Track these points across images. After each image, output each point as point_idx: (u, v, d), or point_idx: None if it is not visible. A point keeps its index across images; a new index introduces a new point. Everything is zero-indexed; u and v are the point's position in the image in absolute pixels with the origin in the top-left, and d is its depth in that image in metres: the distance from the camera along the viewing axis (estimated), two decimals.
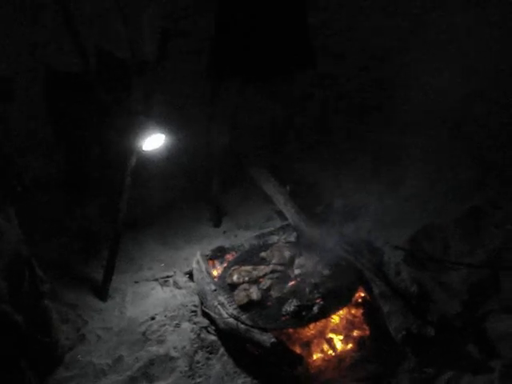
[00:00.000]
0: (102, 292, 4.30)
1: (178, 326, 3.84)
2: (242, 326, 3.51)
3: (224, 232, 4.89)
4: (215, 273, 4.19)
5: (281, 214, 4.76)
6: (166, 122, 4.07)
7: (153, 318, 3.95)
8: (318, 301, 3.61)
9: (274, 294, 3.76)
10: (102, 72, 4.07)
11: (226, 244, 4.54)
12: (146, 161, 4.30)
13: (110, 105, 4.09)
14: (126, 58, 4.13)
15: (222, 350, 3.62)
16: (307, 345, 3.58)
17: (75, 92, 4.10)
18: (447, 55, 5.97)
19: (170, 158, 4.63)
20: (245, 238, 4.57)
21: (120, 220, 4.20)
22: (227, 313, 3.62)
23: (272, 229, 4.58)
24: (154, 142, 3.95)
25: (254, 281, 3.88)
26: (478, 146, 5.13)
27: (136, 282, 4.41)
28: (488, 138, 5.23)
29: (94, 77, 4.00)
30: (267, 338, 3.36)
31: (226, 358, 3.57)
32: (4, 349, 2.45)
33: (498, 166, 4.86)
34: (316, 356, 3.54)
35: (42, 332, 2.68)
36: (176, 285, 4.27)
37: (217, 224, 4.99)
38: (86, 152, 4.46)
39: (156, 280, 4.38)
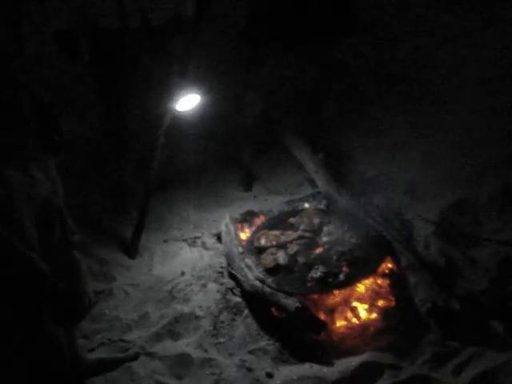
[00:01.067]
0: (131, 249, 4.38)
1: (204, 286, 3.89)
2: (268, 289, 3.53)
3: (254, 196, 4.91)
4: (243, 236, 4.21)
5: (312, 182, 4.75)
6: (201, 84, 4.06)
7: (181, 275, 4.00)
8: (344, 268, 3.61)
9: (301, 259, 3.76)
10: (141, 32, 4.08)
11: (256, 208, 4.56)
12: (180, 122, 4.31)
13: (147, 65, 4.10)
14: (165, 18, 4.12)
15: (246, 311, 3.66)
16: (331, 312, 3.59)
17: (114, 51, 4.12)
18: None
19: (203, 120, 4.62)
20: (275, 204, 4.59)
21: (151, 179, 4.24)
22: (253, 275, 3.65)
23: (302, 195, 4.58)
24: (188, 102, 3.95)
25: (282, 246, 3.89)
26: None
27: (165, 241, 4.48)
28: None
29: (134, 36, 4.02)
30: (292, 302, 3.38)
31: (249, 319, 3.60)
32: (28, 298, 2.50)
33: None
34: (340, 323, 3.55)
35: (70, 282, 2.72)
36: (204, 246, 4.32)
37: (247, 188, 5.01)
38: (123, 112, 4.46)
39: (185, 240, 4.44)
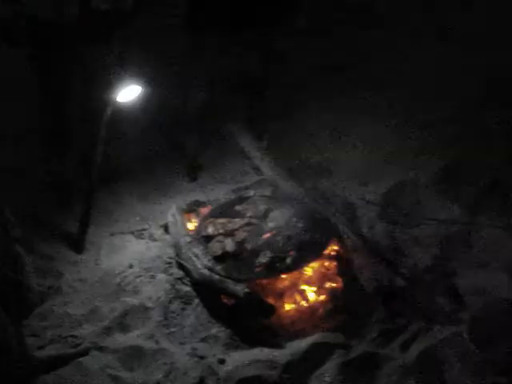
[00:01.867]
0: (77, 244, 4.33)
1: (153, 277, 3.88)
2: (216, 276, 3.56)
3: (200, 186, 4.91)
4: (191, 226, 4.21)
5: (257, 170, 4.80)
6: (142, 74, 4.04)
7: (129, 268, 3.99)
8: (291, 252, 3.66)
9: (249, 246, 3.79)
10: (79, 21, 4.04)
11: (202, 198, 4.58)
12: (122, 114, 4.27)
13: (87, 57, 4.06)
14: (104, 8, 4.09)
15: (196, 300, 3.67)
16: (280, 296, 3.64)
17: (50, 39, 4.07)
18: None
19: (146, 111, 4.61)
20: (221, 193, 4.61)
21: (95, 173, 4.20)
22: (202, 264, 3.66)
23: (248, 183, 4.61)
24: (129, 93, 3.93)
25: (229, 233, 3.91)
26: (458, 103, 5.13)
27: (111, 235, 4.45)
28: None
29: (70, 25, 3.98)
30: (240, 289, 3.42)
31: (200, 308, 3.62)
32: None
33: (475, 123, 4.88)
34: (289, 307, 3.61)
35: (14, 275, 2.69)
36: (151, 237, 4.32)
37: (193, 179, 5.01)
38: (63, 102, 4.41)
39: (132, 233, 4.42)
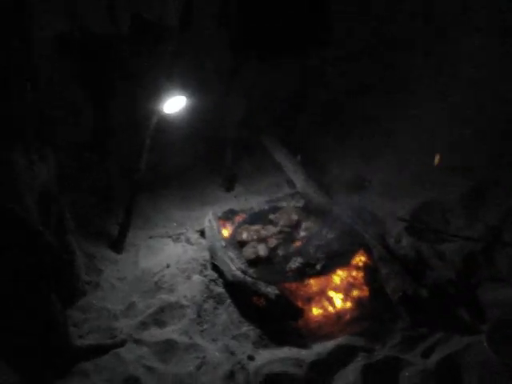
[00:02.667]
0: (117, 245, 4.56)
1: (188, 277, 4.08)
2: (249, 279, 3.75)
3: (235, 196, 5.13)
4: (225, 233, 4.42)
5: (290, 183, 4.99)
6: (187, 88, 4.29)
7: (166, 268, 4.20)
8: (320, 260, 3.84)
9: (280, 252, 4.00)
10: (131, 37, 4.31)
11: (237, 207, 4.79)
12: (166, 124, 4.52)
13: (137, 68, 4.32)
14: (154, 23, 4.36)
15: (228, 301, 3.86)
16: (309, 301, 3.83)
17: (105, 56, 4.35)
18: None
19: (188, 123, 4.85)
20: (255, 203, 4.82)
21: (137, 179, 4.44)
22: (236, 267, 3.86)
23: (281, 195, 4.82)
24: (175, 104, 4.17)
25: (262, 239, 4.12)
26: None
27: (150, 238, 4.66)
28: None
29: (124, 41, 4.25)
30: (272, 291, 3.61)
31: (232, 308, 3.81)
32: (37, 267, 2.69)
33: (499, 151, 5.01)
34: (316, 311, 3.78)
35: (69, 259, 2.93)
36: (188, 241, 4.52)
37: (229, 189, 5.23)
38: (109, 111, 4.67)
39: (169, 236, 4.63)
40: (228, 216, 4.63)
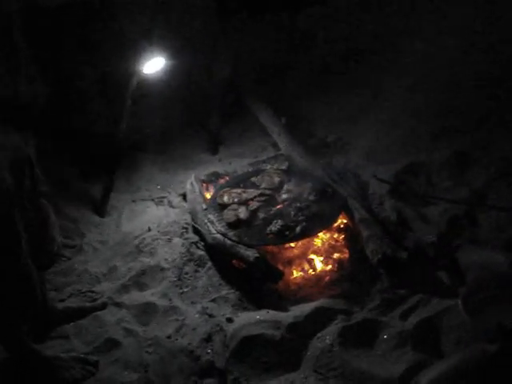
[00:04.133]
0: (100, 209, 4.55)
1: (169, 240, 4.08)
2: (229, 241, 3.74)
3: (220, 160, 5.09)
4: (208, 195, 4.40)
5: (275, 146, 4.95)
6: (168, 48, 4.22)
7: (148, 231, 4.19)
8: (301, 222, 3.82)
9: (261, 215, 3.97)
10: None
11: (221, 170, 4.75)
12: (146, 86, 4.46)
13: (113, 28, 4.25)
14: None
15: (209, 263, 3.85)
16: (289, 263, 3.82)
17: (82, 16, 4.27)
18: None
19: (170, 85, 4.79)
20: (239, 166, 4.78)
21: (119, 142, 4.40)
22: (216, 229, 3.84)
23: (265, 157, 4.78)
24: (154, 65, 4.11)
25: (243, 202, 4.09)
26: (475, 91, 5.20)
27: (133, 201, 4.67)
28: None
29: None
30: (251, 253, 3.59)
31: (212, 271, 3.80)
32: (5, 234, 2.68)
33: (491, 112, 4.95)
34: (297, 274, 3.78)
35: (39, 228, 2.90)
36: (170, 204, 4.52)
37: (214, 152, 5.19)
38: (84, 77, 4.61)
39: (152, 200, 4.63)
40: (211, 179, 4.62)
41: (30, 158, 2.89)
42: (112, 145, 4.45)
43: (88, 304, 3.66)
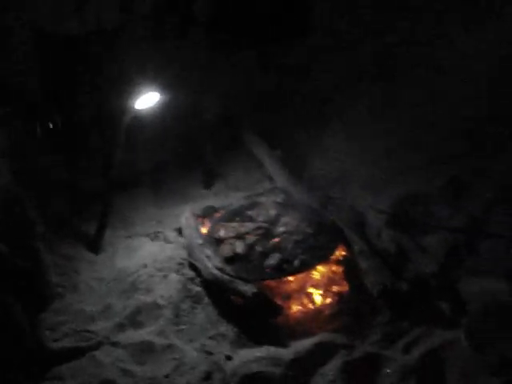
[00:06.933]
0: (95, 246, 4.49)
1: (165, 276, 4.02)
2: (226, 276, 3.68)
3: (215, 193, 5.04)
4: (204, 230, 4.35)
5: (270, 178, 4.92)
6: (161, 84, 4.20)
7: (143, 267, 4.13)
8: (299, 256, 3.77)
9: (258, 248, 3.92)
10: (100, 34, 4.23)
11: (216, 204, 4.71)
12: (140, 121, 4.44)
13: (106, 64, 4.24)
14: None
15: (206, 300, 3.79)
16: (288, 298, 3.76)
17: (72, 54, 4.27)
18: None
19: (164, 119, 4.77)
20: (235, 199, 4.74)
21: (113, 178, 4.37)
22: (213, 264, 3.79)
23: (261, 190, 4.74)
24: (147, 100, 4.09)
25: (240, 236, 4.04)
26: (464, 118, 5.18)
27: (128, 237, 4.61)
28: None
29: (93, 39, 4.17)
30: (249, 289, 3.54)
31: (209, 307, 3.74)
32: None
33: (483, 139, 4.94)
34: (296, 308, 3.71)
35: (34, 270, 2.85)
36: (166, 239, 4.46)
37: (208, 186, 5.15)
38: (80, 111, 4.59)
39: (147, 235, 4.57)
40: (207, 213, 4.56)
41: (21, 199, 2.85)
42: (106, 180, 4.40)
43: (83, 344, 3.59)
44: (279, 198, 4.53)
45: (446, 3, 5.38)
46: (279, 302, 3.67)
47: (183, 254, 4.19)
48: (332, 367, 3.21)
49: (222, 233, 4.10)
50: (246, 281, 3.63)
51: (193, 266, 4.01)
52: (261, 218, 4.21)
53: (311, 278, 3.85)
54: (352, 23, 6.38)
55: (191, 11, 4.93)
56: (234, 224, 4.17)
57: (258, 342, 3.47)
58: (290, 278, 3.81)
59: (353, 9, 6.23)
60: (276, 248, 3.90)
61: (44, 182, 4.75)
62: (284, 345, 3.43)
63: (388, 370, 3.18)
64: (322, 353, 3.31)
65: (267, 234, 4.06)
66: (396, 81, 5.66)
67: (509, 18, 4.90)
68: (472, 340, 2.99)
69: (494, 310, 3.15)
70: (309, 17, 4.99)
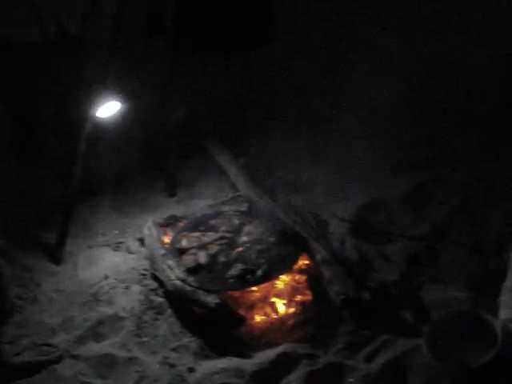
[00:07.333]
0: (55, 256, 4.42)
1: (127, 288, 3.98)
2: (189, 287, 3.66)
3: (178, 202, 5.00)
4: (167, 240, 4.31)
5: (234, 186, 4.89)
6: (122, 91, 4.16)
7: (105, 279, 4.09)
8: (262, 266, 3.77)
9: (221, 258, 3.91)
10: (59, 42, 4.18)
11: (179, 213, 4.68)
12: (101, 129, 4.39)
13: (65, 73, 4.19)
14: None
15: (169, 311, 3.76)
16: (251, 308, 3.74)
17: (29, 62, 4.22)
18: None
19: (125, 127, 4.73)
20: (197, 208, 4.71)
21: (74, 186, 4.31)
22: (175, 275, 3.76)
23: (224, 199, 4.72)
24: (109, 109, 4.05)
25: (203, 246, 4.02)
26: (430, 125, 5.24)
27: (89, 247, 4.53)
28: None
29: (52, 47, 4.11)
30: (212, 299, 3.52)
31: (172, 318, 3.71)
32: None
33: (446, 146, 4.99)
34: (259, 318, 3.70)
35: None
36: (128, 250, 4.41)
37: (171, 194, 5.10)
38: (38, 119, 4.53)
39: (109, 245, 4.51)
40: (170, 222, 4.53)
41: None
42: (68, 189, 4.33)
43: (44, 357, 3.53)
44: (242, 207, 4.51)
45: None
46: (242, 312, 3.65)
47: (146, 264, 4.15)
48: (295, 377, 3.20)
49: (184, 243, 4.07)
50: (209, 291, 3.61)
51: (155, 277, 3.97)
52: (224, 228, 4.19)
53: (275, 287, 3.84)
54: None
55: (155, 18, 4.91)
56: (197, 234, 4.15)
57: (222, 353, 3.45)
58: (254, 288, 3.80)
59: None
60: (239, 258, 3.89)
61: (1, 192, 4.70)
62: (247, 356, 3.41)
63: (351, 380, 3.19)
64: (285, 363, 3.29)
65: (230, 243, 4.04)
66: (358, 90, 5.72)
67: None
68: (433, 348, 3.00)
69: (454, 318, 3.18)
70: (272, 26, 4.98)
